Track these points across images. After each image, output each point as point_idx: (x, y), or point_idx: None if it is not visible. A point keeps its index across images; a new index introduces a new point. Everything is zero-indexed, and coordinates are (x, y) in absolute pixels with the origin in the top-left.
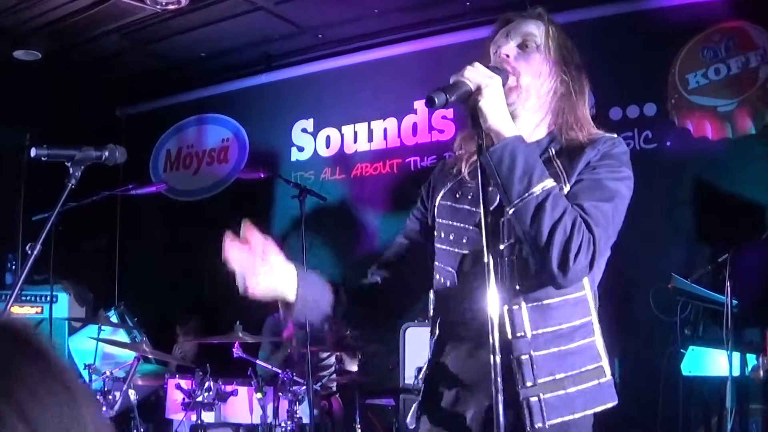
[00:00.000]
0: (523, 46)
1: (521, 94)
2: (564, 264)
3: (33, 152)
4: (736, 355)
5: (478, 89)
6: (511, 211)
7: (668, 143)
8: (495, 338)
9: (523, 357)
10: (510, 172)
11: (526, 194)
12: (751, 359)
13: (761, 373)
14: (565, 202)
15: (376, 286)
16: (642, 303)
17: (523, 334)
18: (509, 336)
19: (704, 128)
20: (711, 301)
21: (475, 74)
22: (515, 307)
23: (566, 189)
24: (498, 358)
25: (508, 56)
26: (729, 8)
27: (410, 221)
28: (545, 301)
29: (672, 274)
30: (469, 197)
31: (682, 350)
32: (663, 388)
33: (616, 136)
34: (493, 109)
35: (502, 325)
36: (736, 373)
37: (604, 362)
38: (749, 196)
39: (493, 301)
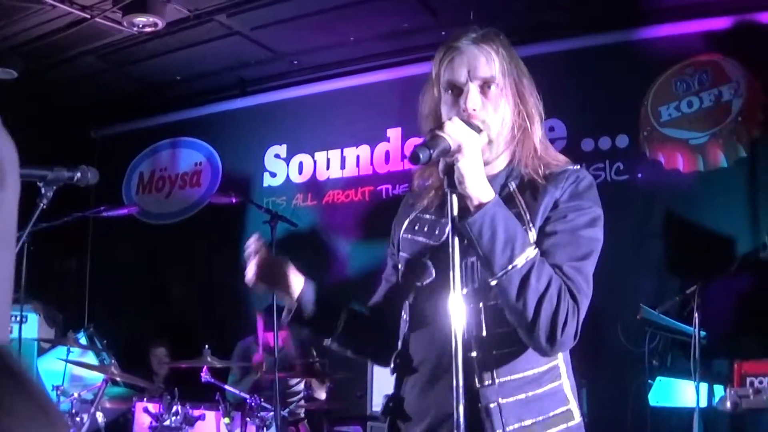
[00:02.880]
0: (484, 89)
1: (493, 147)
2: (552, 337)
3: None
4: (704, 386)
5: (459, 148)
6: (493, 283)
7: (639, 175)
8: (459, 380)
9: (491, 405)
10: (491, 244)
11: (510, 267)
12: (719, 390)
13: (728, 404)
14: (549, 270)
15: (376, 313)
16: (610, 333)
17: (490, 382)
18: (476, 384)
19: (676, 160)
20: (679, 332)
21: (456, 131)
22: (481, 354)
23: (532, 233)
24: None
25: (475, 110)
26: (703, 42)
27: (388, 261)
28: (512, 348)
29: (641, 305)
30: (425, 229)
31: (650, 381)
32: (631, 418)
33: (578, 167)
34: (472, 171)
35: (469, 374)
36: (704, 404)
37: (573, 405)
38: (719, 229)
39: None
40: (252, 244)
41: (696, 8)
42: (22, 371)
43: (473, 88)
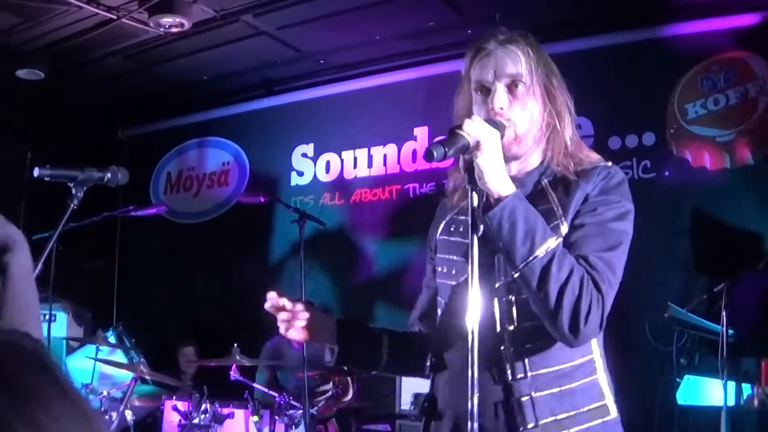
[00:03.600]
0: (512, 88)
1: (522, 142)
2: (575, 326)
3: (36, 172)
4: (732, 385)
5: (477, 145)
6: (516, 275)
7: (667, 173)
8: (474, 374)
9: (523, 398)
10: (511, 235)
11: (531, 258)
12: (747, 389)
13: (756, 402)
14: (571, 260)
15: (419, 335)
16: (638, 332)
17: (523, 375)
18: (509, 377)
19: (703, 158)
20: (707, 330)
21: (474, 129)
22: (514, 348)
23: (564, 227)
24: (476, 397)
25: (502, 108)
26: (729, 39)
27: (427, 267)
28: (544, 342)
29: (668, 303)
30: (461, 229)
31: (677, 379)
32: (658, 417)
33: (610, 164)
34: (491, 167)
35: (502, 367)
36: (731, 402)
37: (609, 400)
38: (747, 226)
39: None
40: (275, 300)
41: (721, 5)
42: (58, 369)
43: (500, 88)
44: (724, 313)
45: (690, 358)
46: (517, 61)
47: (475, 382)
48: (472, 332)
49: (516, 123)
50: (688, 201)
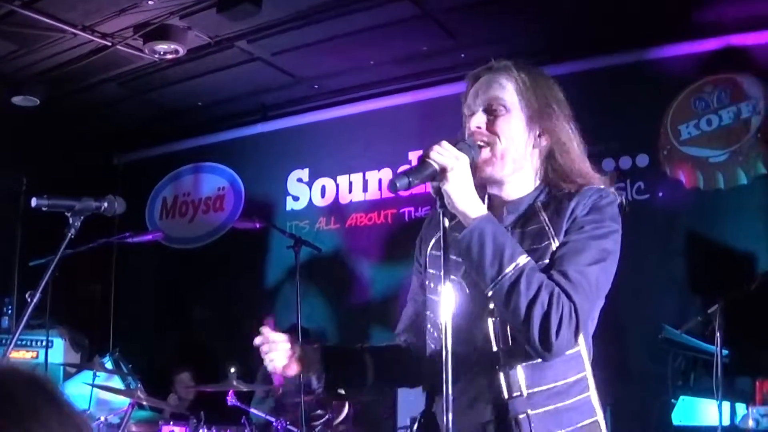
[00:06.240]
0: (491, 112)
1: (497, 163)
2: (546, 340)
3: (34, 202)
4: (726, 405)
5: (443, 171)
6: (489, 294)
7: (660, 194)
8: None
9: (520, 416)
10: (480, 257)
11: (499, 277)
12: (741, 408)
13: (750, 422)
14: (540, 276)
15: (401, 348)
16: (634, 353)
17: (519, 393)
18: (505, 396)
19: (696, 179)
20: (701, 351)
21: (440, 156)
22: (509, 366)
23: (554, 244)
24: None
25: (479, 128)
26: (721, 60)
27: (414, 280)
28: (539, 360)
29: (663, 325)
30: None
31: (673, 400)
32: None
33: (603, 187)
34: (458, 192)
35: (498, 385)
36: (726, 422)
37: (599, 417)
38: (740, 247)
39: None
40: (265, 337)
41: (713, 26)
42: (53, 388)
43: (478, 108)
44: (718, 334)
45: (685, 378)
46: (500, 87)
47: (449, 398)
48: (446, 347)
49: (493, 143)
50: (682, 222)
